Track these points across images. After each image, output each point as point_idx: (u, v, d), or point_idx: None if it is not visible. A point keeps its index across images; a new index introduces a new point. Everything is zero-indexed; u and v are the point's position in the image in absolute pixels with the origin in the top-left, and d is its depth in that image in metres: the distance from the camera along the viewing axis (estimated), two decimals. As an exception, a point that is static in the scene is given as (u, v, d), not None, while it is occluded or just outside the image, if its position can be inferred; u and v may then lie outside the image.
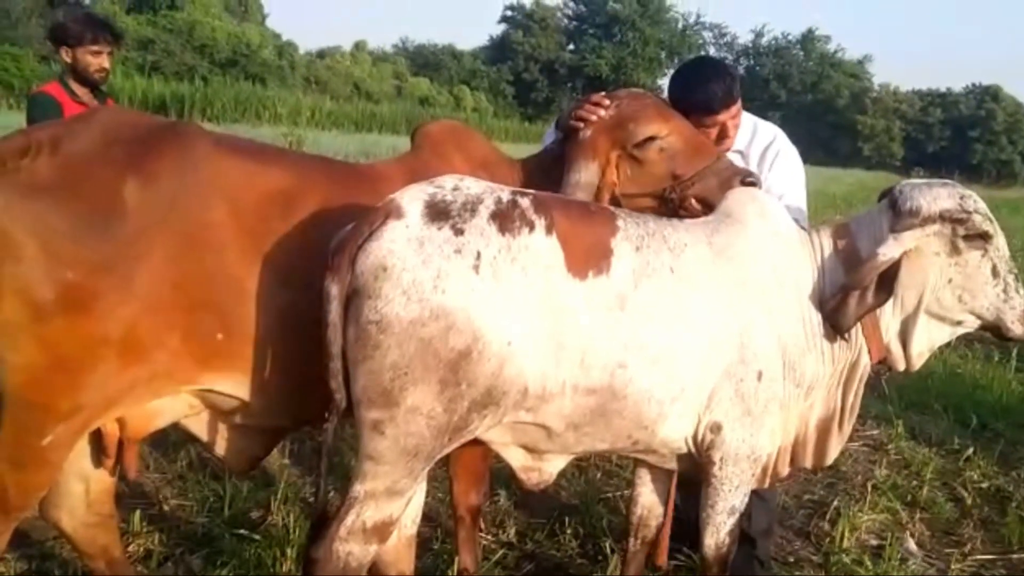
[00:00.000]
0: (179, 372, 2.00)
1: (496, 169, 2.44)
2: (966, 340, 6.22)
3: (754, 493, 2.69)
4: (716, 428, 2.15)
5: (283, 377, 2.05)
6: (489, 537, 3.29)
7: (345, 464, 3.65)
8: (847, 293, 2.12)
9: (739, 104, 2.70)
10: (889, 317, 2.26)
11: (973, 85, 63.76)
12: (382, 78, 48.75)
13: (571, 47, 59.07)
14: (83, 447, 2.12)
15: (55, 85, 4.00)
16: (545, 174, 2.45)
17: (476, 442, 2.10)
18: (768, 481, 2.39)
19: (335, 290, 1.83)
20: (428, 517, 3.30)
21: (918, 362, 2.32)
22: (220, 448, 2.25)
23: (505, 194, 1.96)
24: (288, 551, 2.90)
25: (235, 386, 2.06)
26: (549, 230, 1.95)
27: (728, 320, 2.10)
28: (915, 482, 4.07)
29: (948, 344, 2.62)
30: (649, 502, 2.51)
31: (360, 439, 1.90)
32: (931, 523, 3.72)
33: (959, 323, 2.29)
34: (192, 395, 2.09)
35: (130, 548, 2.94)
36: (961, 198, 2.17)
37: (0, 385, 1.89)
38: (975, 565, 3.38)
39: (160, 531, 3.11)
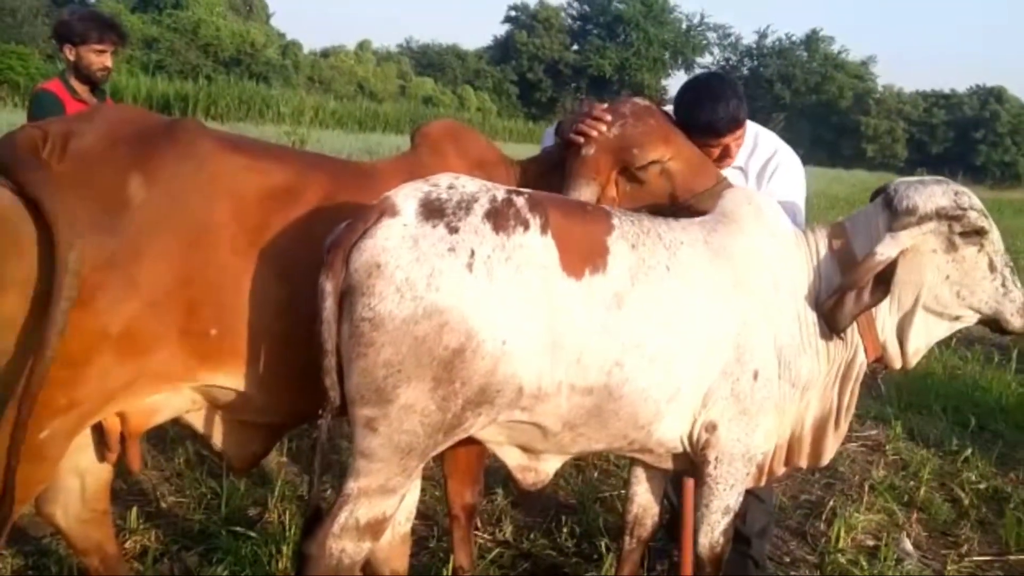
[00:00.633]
0: (178, 368, 2.00)
1: (494, 169, 2.44)
2: (966, 341, 6.25)
3: (752, 493, 2.69)
4: (711, 427, 2.15)
5: (284, 374, 2.06)
6: (485, 536, 3.30)
7: (344, 462, 3.65)
8: (844, 293, 2.11)
9: (744, 127, 2.68)
10: (885, 315, 2.25)
11: (977, 86, 63.47)
12: (386, 78, 48.78)
13: (575, 47, 59.01)
14: (79, 442, 2.11)
15: (56, 82, 4.01)
16: (544, 177, 2.44)
17: (470, 441, 2.10)
18: (764, 480, 2.38)
19: (329, 287, 1.83)
20: (425, 515, 3.31)
21: (914, 359, 2.31)
22: (221, 444, 2.25)
23: (500, 193, 1.96)
24: (285, 549, 2.91)
25: (235, 382, 2.07)
26: (544, 229, 1.95)
27: (725, 319, 2.10)
28: (912, 483, 4.07)
29: (948, 345, 2.62)
30: (645, 501, 2.51)
31: (354, 436, 1.91)
32: (928, 524, 3.72)
33: (957, 318, 2.27)
34: (193, 390, 2.10)
35: (127, 545, 2.96)
36: (956, 195, 2.17)
37: None
38: (972, 566, 3.37)
39: (157, 528, 3.12)
